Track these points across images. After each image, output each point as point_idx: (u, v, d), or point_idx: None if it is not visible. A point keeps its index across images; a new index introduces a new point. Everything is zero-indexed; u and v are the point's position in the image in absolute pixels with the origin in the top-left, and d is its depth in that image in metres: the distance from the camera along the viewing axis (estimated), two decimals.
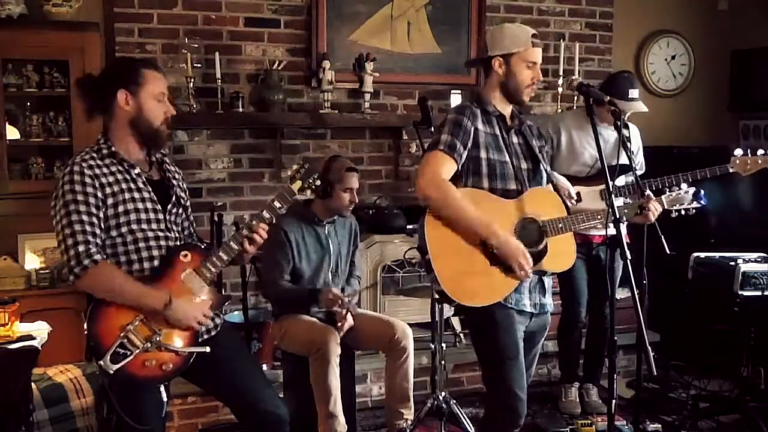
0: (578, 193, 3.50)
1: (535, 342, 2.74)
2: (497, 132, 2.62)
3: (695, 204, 2.85)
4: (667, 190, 2.86)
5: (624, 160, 2.95)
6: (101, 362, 2.23)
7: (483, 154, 2.57)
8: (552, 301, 2.75)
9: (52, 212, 2.33)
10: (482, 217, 2.48)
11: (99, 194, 2.32)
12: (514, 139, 2.67)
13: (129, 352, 2.25)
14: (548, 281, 2.70)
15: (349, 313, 3.40)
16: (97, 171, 2.34)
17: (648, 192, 2.80)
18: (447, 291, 2.49)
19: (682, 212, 2.86)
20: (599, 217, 2.62)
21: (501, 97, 2.65)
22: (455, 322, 4.30)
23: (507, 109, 2.68)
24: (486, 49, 2.67)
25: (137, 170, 2.43)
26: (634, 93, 3.59)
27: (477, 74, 4.57)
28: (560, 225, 2.58)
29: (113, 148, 2.41)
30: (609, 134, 3.64)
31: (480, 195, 2.55)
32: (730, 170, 3.42)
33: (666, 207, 2.82)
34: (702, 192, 2.85)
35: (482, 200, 2.54)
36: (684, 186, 2.90)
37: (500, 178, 2.59)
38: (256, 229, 2.41)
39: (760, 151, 3.36)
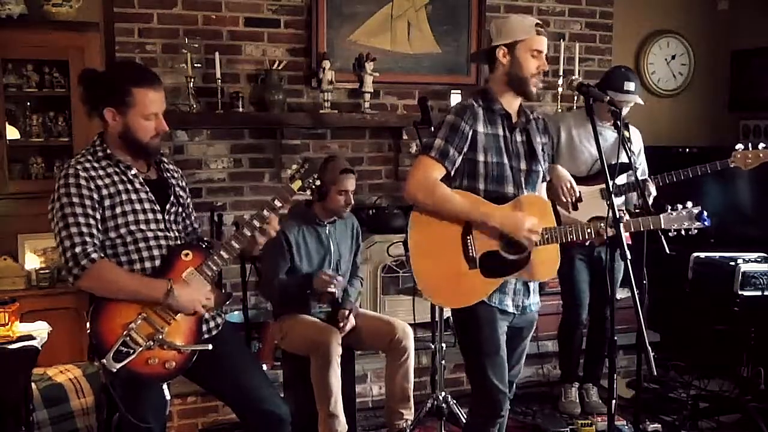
0: (579, 193, 3.50)
1: (522, 337, 2.74)
2: (499, 132, 2.58)
3: (697, 224, 2.72)
4: (668, 207, 2.73)
5: (624, 159, 2.94)
6: (104, 360, 2.23)
7: (481, 158, 2.54)
8: (539, 300, 2.73)
9: (50, 215, 2.33)
10: (472, 203, 2.50)
11: (95, 195, 2.32)
12: (518, 138, 2.63)
13: (132, 351, 2.26)
14: (534, 283, 2.69)
15: (351, 314, 3.40)
16: (93, 173, 2.34)
17: (625, 215, 2.70)
18: (422, 290, 2.56)
19: (683, 232, 2.73)
20: (588, 230, 2.58)
21: (508, 92, 2.60)
22: None
23: (514, 105, 2.63)
24: (489, 42, 2.62)
25: (134, 171, 2.43)
26: (629, 86, 3.57)
27: (477, 74, 4.58)
28: (546, 236, 2.56)
29: (108, 151, 2.40)
30: (609, 134, 3.64)
31: (470, 198, 2.54)
32: (731, 165, 3.41)
33: (663, 227, 2.73)
34: (705, 213, 2.73)
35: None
36: (689, 204, 2.74)
37: (497, 181, 2.57)
38: (270, 220, 2.42)
39: (762, 145, 3.35)
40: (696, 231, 2.74)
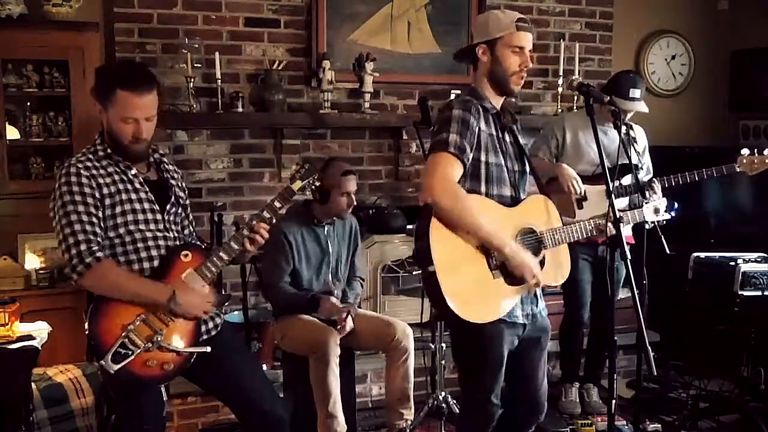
0: (584, 192, 3.50)
1: (542, 347, 2.63)
2: (494, 132, 2.50)
3: (666, 216, 2.79)
4: (644, 202, 2.80)
5: (626, 159, 2.94)
6: (102, 362, 2.23)
7: (483, 157, 2.44)
8: (544, 304, 2.67)
9: (51, 213, 2.33)
10: (493, 227, 2.36)
11: (96, 194, 2.31)
12: (507, 138, 2.56)
13: (130, 352, 2.25)
14: (539, 289, 2.60)
15: (349, 317, 3.38)
16: (94, 172, 2.34)
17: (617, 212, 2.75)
18: (454, 308, 2.31)
19: (655, 223, 2.81)
20: (590, 227, 2.57)
21: (492, 91, 2.50)
22: None
23: (499, 104, 2.55)
24: (471, 39, 2.56)
25: (134, 171, 2.43)
26: (635, 93, 3.56)
27: None
28: (557, 236, 2.51)
29: (109, 150, 2.40)
30: (615, 134, 3.62)
31: (485, 204, 2.44)
32: (737, 170, 3.40)
33: (646, 218, 2.76)
34: (675, 204, 2.80)
35: (487, 209, 2.42)
36: (655, 197, 2.87)
37: (497, 183, 2.48)
38: (258, 229, 2.41)
39: (767, 151, 3.35)
40: (665, 222, 2.82)
